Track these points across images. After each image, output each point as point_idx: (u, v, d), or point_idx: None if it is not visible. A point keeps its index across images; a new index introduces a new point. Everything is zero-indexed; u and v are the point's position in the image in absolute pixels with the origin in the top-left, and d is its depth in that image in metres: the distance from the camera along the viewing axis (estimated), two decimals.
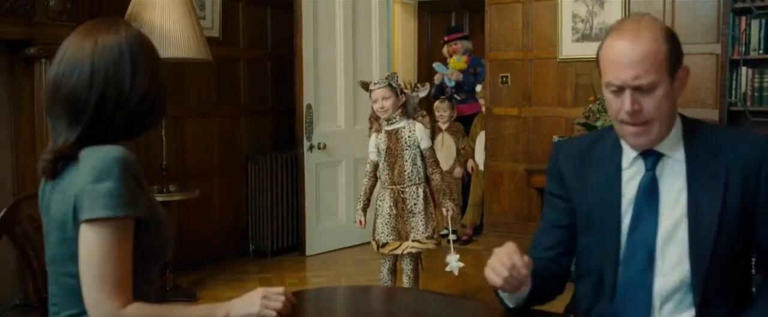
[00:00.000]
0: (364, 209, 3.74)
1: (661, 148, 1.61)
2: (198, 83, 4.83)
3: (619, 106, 1.55)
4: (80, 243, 1.40)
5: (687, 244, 1.57)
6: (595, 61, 1.63)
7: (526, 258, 1.52)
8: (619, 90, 1.54)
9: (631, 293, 1.59)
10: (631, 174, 1.65)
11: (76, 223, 1.40)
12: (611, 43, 1.56)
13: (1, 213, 1.77)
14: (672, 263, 1.58)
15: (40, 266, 1.73)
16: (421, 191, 3.60)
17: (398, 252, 3.60)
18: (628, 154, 1.66)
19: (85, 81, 1.44)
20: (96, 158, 1.40)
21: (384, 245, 3.61)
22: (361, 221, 3.71)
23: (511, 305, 1.66)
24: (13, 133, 3.58)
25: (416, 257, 3.68)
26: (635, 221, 1.61)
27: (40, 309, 1.73)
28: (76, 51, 1.46)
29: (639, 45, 1.51)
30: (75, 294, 1.45)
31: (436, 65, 6.18)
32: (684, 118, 1.66)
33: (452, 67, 6.13)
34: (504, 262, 1.49)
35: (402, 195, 3.58)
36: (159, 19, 3.72)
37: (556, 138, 4.81)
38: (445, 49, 6.25)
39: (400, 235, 3.58)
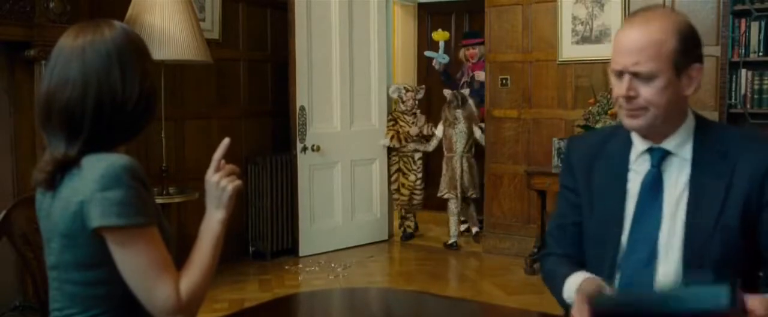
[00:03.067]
0: None
1: (667, 145, 1.63)
2: (198, 84, 4.83)
3: (619, 90, 1.59)
4: (113, 255, 1.40)
5: (683, 243, 1.58)
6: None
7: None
8: (620, 74, 1.58)
9: (633, 288, 1.61)
10: (638, 170, 1.67)
11: (85, 230, 1.39)
12: (622, 29, 1.62)
13: (1, 215, 1.76)
14: (673, 260, 1.59)
15: (39, 268, 1.72)
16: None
17: None
18: (637, 149, 1.68)
19: (78, 94, 1.42)
20: (102, 166, 1.39)
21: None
22: None
23: None
24: (13, 134, 3.58)
25: None
26: (638, 217, 1.63)
27: (39, 310, 1.72)
28: (66, 63, 1.45)
29: (644, 34, 1.55)
30: (79, 298, 1.45)
31: (427, 53, 6.27)
32: (699, 117, 1.67)
33: (436, 38, 6.20)
34: None
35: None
36: (159, 20, 3.72)
37: (556, 140, 4.81)
38: (461, 53, 6.19)
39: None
